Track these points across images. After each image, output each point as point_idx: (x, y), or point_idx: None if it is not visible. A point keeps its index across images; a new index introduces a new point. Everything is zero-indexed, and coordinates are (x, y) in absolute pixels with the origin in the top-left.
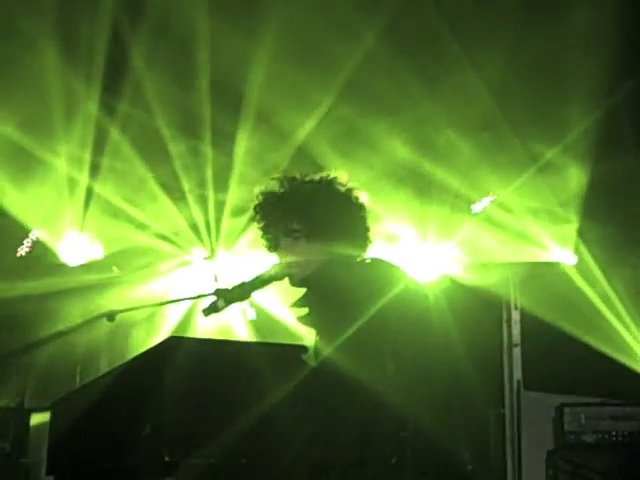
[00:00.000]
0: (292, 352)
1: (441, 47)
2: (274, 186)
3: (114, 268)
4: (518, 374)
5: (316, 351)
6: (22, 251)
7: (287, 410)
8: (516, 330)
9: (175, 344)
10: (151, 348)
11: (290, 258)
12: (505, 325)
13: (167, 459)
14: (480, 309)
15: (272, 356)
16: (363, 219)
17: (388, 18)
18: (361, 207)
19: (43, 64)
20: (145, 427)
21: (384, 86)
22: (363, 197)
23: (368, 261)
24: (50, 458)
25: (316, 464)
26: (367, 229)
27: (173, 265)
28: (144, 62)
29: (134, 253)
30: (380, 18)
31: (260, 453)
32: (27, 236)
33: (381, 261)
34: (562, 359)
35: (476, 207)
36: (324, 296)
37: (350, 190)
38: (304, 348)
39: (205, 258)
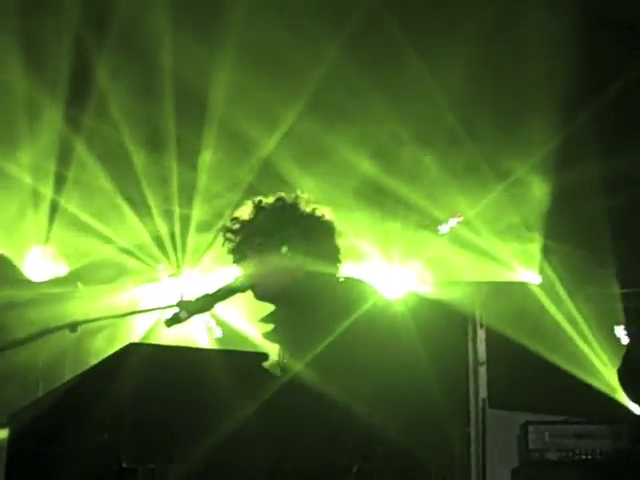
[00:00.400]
0: (252, 358)
1: (405, 63)
2: (242, 211)
3: (79, 284)
4: (483, 393)
5: (282, 365)
6: None
7: (252, 416)
8: (482, 348)
9: (134, 350)
10: (110, 355)
11: (254, 270)
12: (471, 344)
13: (124, 465)
14: (446, 327)
15: (232, 362)
16: (331, 238)
17: (352, 33)
18: (328, 226)
19: (8, 76)
20: (103, 434)
21: (348, 102)
22: (328, 215)
23: (342, 279)
24: (8, 471)
25: (280, 470)
26: (337, 249)
27: (138, 281)
28: (109, 76)
29: (99, 268)
30: (344, 33)
31: (221, 459)
32: None
33: (354, 280)
34: (527, 377)
35: (443, 228)
36: (295, 312)
37: (315, 209)
38: (265, 355)
39: (170, 275)
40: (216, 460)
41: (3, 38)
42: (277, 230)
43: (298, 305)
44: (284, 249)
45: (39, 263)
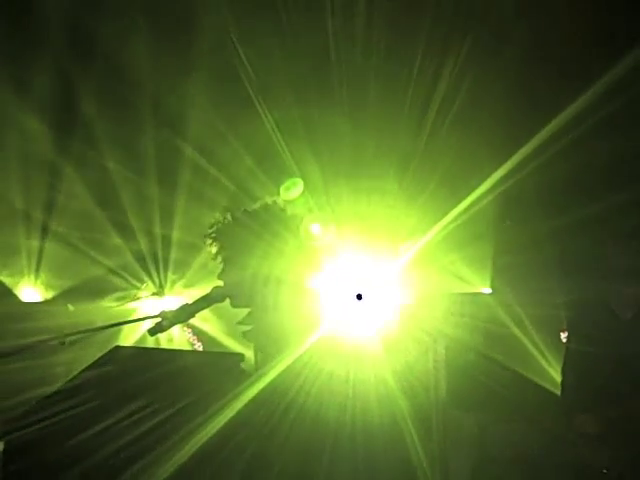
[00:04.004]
0: (231, 360)
1: (366, 86)
2: (217, 222)
3: (69, 306)
4: (443, 396)
5: (256, 364)
6: None
7: (231, 415)
8: (441, 356)
9: (118, 352)
10: (96, 359)
11: (229, 280)
12: (431, 352)
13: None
14: (409, 338)
15: (211, 363)
16: (297, 242)
17: (314, 60)
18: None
19: None
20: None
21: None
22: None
23: (308, 288)
24: None
25: (255, 468)
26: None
27: (123, 300)
28: (94, 102)
29: (87, 289)
30: (307, 61)
31: (201, 455)
32: None
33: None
34: (483, 381)
35: (402, 250)
36: (265, 315)
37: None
38: (241, 355)
39: (153, 294)
40: (196, 456)
41: None
42: (250, 242)
43: (268, 308)
44: (256, 258)
45: (32, 290)
